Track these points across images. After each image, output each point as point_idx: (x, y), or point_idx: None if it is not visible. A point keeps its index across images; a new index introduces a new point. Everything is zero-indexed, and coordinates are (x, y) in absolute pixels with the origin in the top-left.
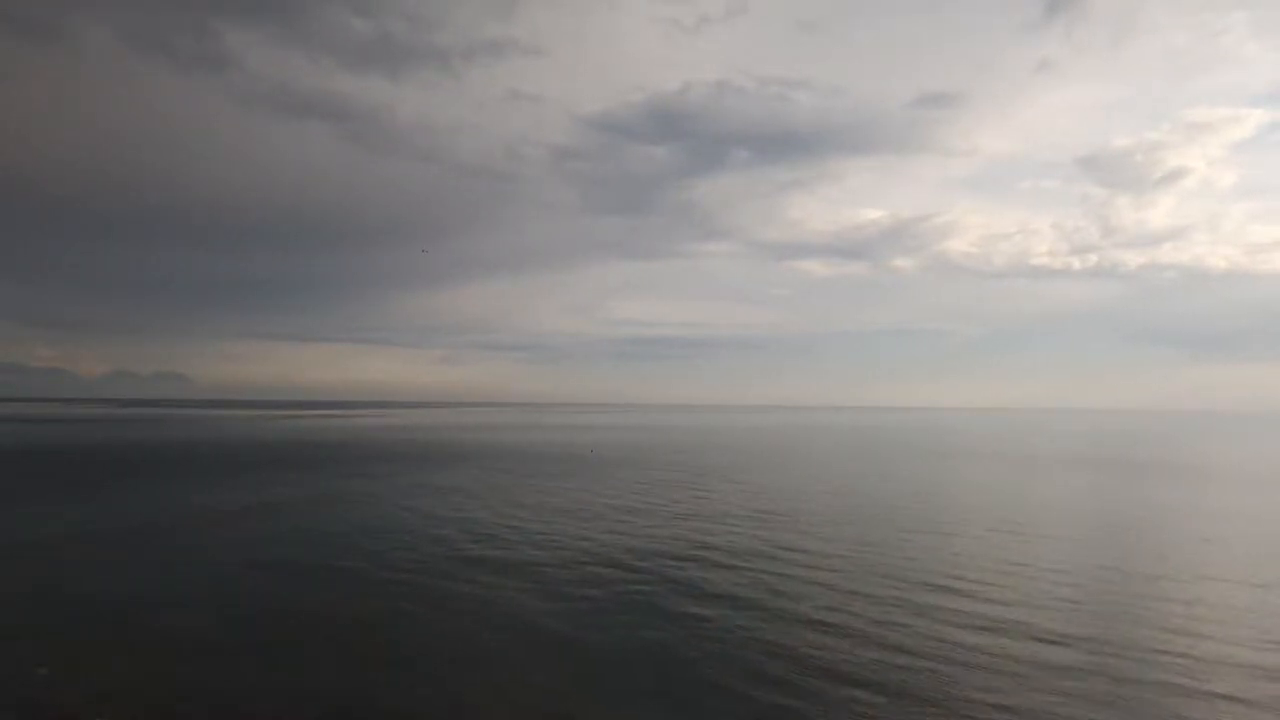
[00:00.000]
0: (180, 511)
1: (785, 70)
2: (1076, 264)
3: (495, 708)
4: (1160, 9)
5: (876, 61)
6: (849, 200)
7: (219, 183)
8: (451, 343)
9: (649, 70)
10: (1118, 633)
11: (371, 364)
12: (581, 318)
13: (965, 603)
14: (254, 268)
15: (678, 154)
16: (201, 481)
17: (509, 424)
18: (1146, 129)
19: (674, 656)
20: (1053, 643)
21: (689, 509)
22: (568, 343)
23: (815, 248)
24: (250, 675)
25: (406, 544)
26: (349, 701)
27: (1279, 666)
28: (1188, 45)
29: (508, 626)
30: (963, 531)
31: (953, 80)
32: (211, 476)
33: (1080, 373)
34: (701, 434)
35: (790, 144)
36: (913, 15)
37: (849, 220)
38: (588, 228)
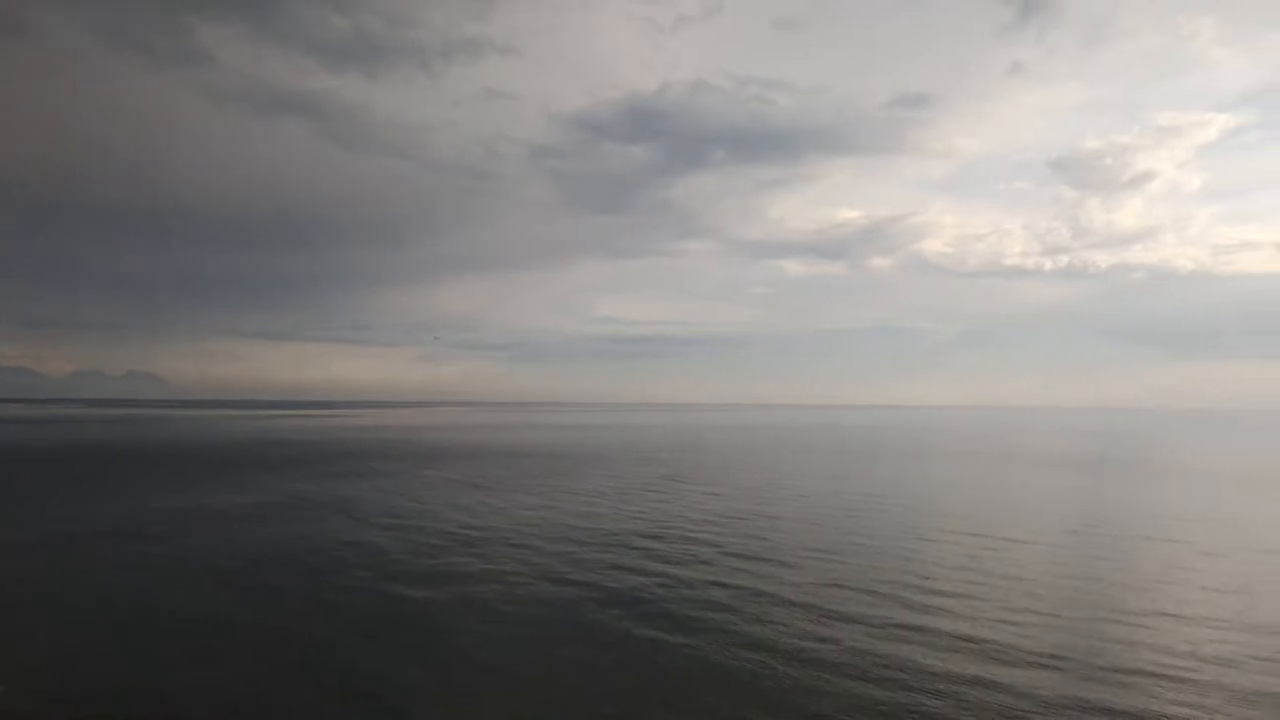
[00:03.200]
0: (140, 516)
1: (763, 70)
2: (1048, 264)
3: None
4: (1131, 13)
5: (853, 62)
6: (827, 199)
7: (192, 179)
8: (429, 341)
9: (626, 69)
10: (1087, 649)
11: (348, 363)
12: (562, 316)
13: (930, 618)
14: (228, 265)
15: (656, 153)
16: (166, 484)
17: (485, 424)
18: (1116, 132)
19: (619, 685)
20: (1024, 663)
21: (655, 514)
22: (548, 341)
23: (794, 246)
24: (209, 685)
25: (346, 556)
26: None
27: (1255, 687)
28: (1157, 49)
29: (443, 657)
30: (932, 536)
31: (928, 81)
32: (178, 479)
33: (1051, 371)
34: (679, 433)
35: (768, 143)
36: (889, 17)
37: (827, 219)
38: (567, 226)
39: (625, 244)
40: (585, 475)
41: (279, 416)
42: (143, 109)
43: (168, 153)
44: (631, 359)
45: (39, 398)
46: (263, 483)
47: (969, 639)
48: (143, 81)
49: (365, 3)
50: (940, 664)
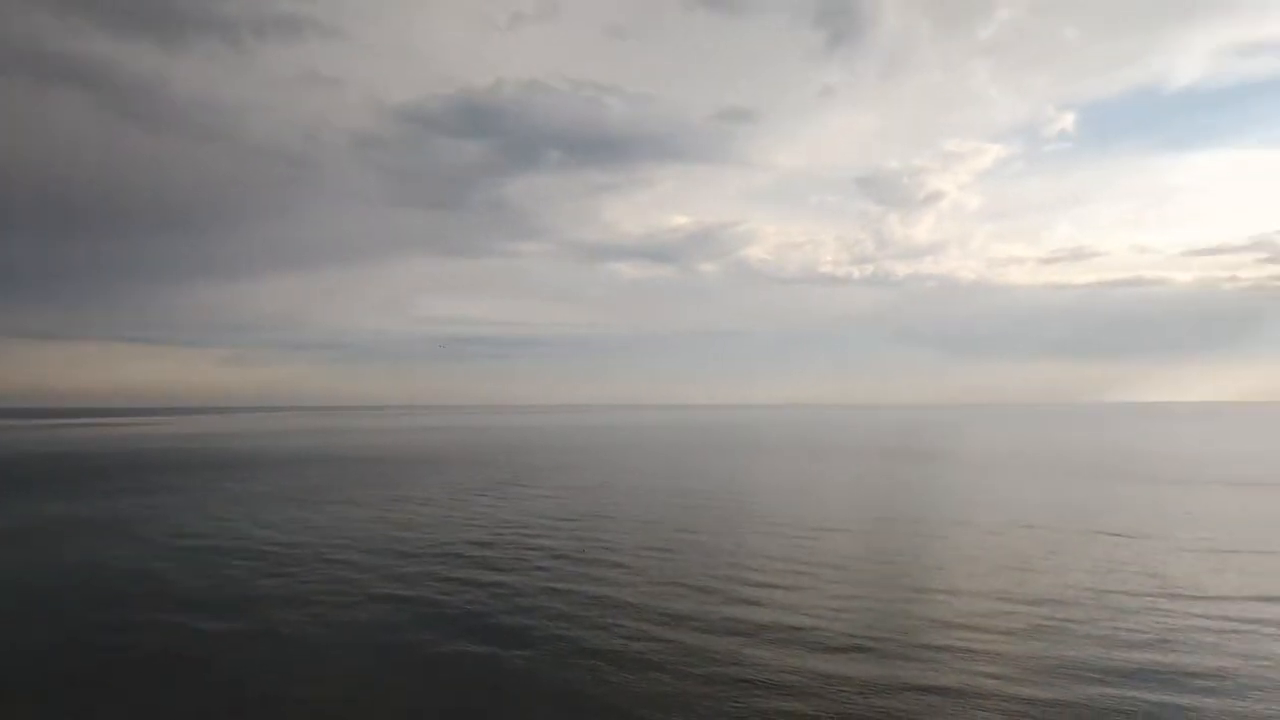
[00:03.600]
0: None
1: (596, 74)
2: (856, 273)
3: None
4: (922, 50)
5: (682, 74)
6: (658, 205)
7: None
8: (240, 341)
9: (459, 64)
10: (900, 629)
11: (142, 365)
12: (390, 315)
13: (760, 610)
14: None
15: (490, 151)
16: None
17: (304, 429)
18: (911, 155)
19: (448, 706)
20: (845, 648)
21: (487, 520)
22: (376, 341)
23: (628, 250)
24: None
25: (128, 586)
26: None
27: (1038, 653)
28: (943, 84)
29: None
30: (759, 529)
31: (751, 98)
32: None
33: (861, 372)
34: (514, 436)
35: (602, 147)
36: (712, 34)
37: (658, 224)
38: (395, 221)
39: (458, 243)
40: (414, 482)
41: (50, 426)
42: None
43: None
44: (467, 360)
45: None
46: (19, 504)
47: (796, 629)
48: None
49: None
50: (771, 656)
